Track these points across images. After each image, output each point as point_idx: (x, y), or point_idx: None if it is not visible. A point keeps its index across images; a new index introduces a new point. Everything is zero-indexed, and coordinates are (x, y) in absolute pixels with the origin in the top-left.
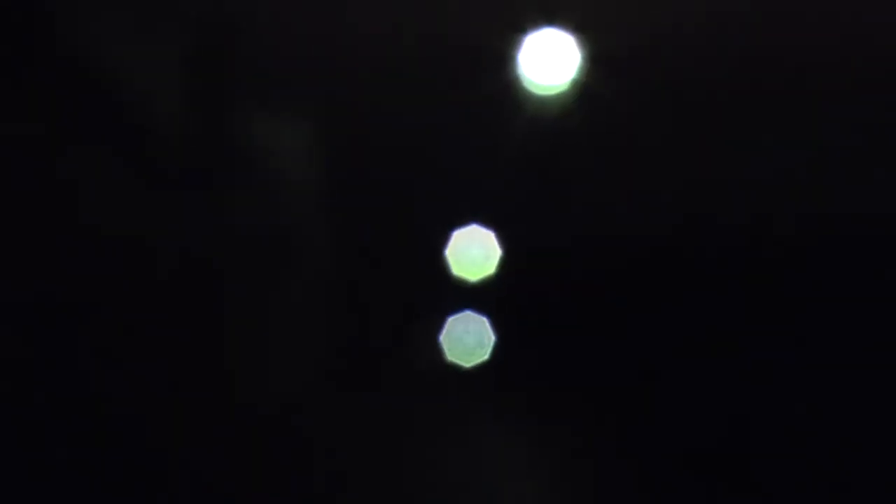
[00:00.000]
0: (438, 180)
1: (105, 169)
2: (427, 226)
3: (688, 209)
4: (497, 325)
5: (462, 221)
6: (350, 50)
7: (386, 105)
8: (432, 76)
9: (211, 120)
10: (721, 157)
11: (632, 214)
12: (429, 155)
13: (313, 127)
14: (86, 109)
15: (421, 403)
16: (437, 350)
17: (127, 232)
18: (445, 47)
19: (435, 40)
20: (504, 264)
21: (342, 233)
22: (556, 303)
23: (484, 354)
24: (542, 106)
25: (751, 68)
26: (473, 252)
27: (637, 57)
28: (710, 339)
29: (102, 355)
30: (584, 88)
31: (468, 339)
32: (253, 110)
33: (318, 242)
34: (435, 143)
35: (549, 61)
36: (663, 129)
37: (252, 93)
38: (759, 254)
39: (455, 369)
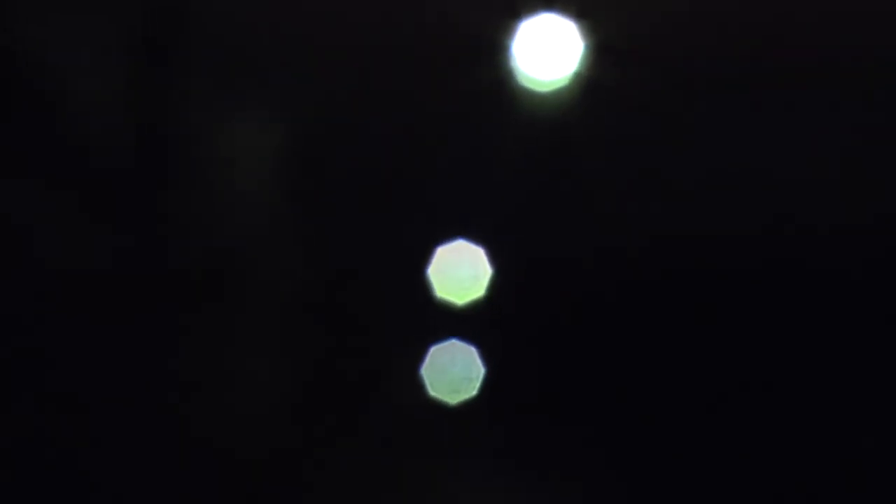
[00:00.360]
0: (420, 188)
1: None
2: (407, 240)
3: (705, 220)
4: (487, 356)
5: (447, 235)
6: (322, 41)
7: (361, 103)
8: (413, 68)
9: (177, 124)
10: (743, 161)
11: (643, 226)
12: (410, 159)
13: (279, 126)
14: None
15: (400, 447)
16: (418, 385)
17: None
18: (428, 35)
19: (416, 27)
20: (495, 285)
21: (308, 247)
22: (556, 330)
23: (472, 390)
24: (540, 103)
25: (780, 55)
26: (460, 271)
27: (649, 46)
28: (724, 371)
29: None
30: (588, 83)
31: (454, 372)
32: (220, 107)
33: (280, 259)
34: (417, 145)
35: (547, 52)
36: (678, 130)
37: (218, 86)
38: (782, 266)
39: (438, 407)
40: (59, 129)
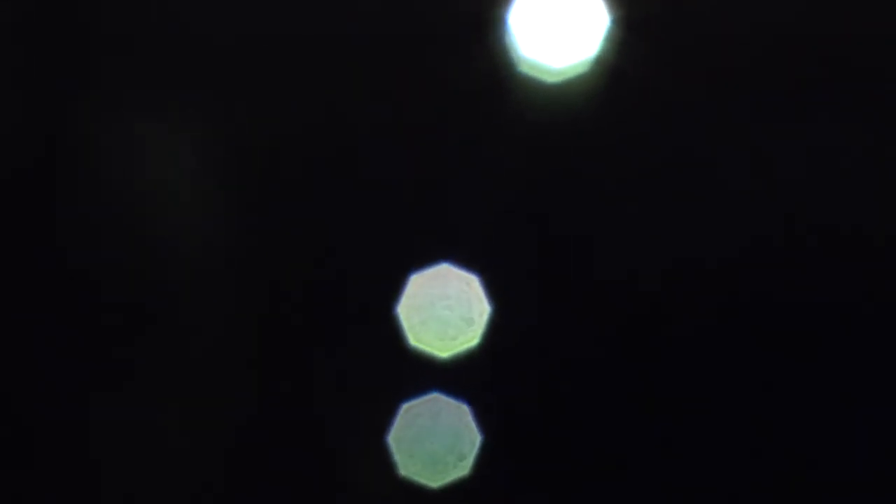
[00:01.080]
0: (396, 198)
1: None
2: (375, 264)
3: (747, 240)
4: (483, 424)
5: (428, 258)
6: (289, 35)
7: (325, 95)
8: (389, 53)
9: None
10: (782, 171)
11: (677, 250)
12: (383, 163)
13: (230, 127)
14: None
15: None
16: (383, 460)
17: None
18: (407, 14)
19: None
20: (494, 326)
21: (250, 281)
22: (569, 386)
23: (463, 467)
24: (549, 96)
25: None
26: (445, 308)
27: (689, 24)
28: (750, 443)
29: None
30: (614, 71)
31: (435, 442)
32: (148, 110)
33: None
34: (393, 147)
35: (559, 30)
36: (720, 126)
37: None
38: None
39: (413, 491)
40: None
